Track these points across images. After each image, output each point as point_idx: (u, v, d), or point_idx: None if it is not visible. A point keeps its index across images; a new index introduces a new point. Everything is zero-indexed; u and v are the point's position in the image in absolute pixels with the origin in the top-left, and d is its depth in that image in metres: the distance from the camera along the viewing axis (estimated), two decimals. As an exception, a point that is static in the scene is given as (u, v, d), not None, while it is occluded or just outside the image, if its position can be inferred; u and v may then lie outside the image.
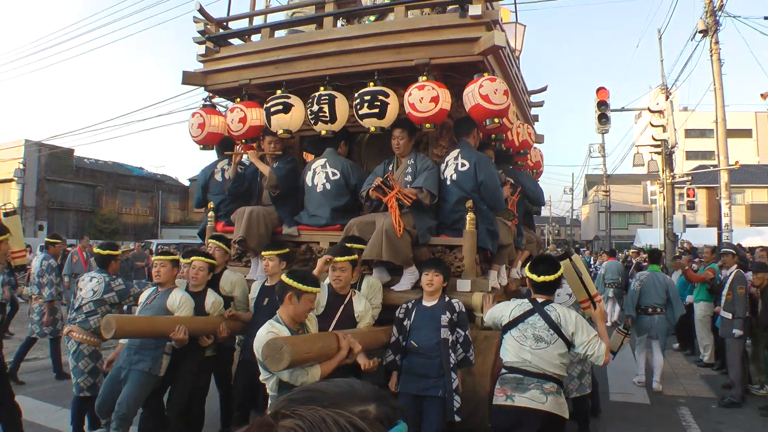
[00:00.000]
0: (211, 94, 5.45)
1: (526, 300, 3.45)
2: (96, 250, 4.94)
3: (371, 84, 4.42)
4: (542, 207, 8.60)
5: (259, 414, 3.88)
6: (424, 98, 4.17)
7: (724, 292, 6.70)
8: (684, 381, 7.52)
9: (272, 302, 4.11)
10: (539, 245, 7.35)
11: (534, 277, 3.40)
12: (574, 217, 56.39)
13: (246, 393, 4.18)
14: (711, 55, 14.87)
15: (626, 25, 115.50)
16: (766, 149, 36.98)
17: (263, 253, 4.38)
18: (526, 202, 6.22)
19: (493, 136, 4.99)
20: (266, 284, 4.37)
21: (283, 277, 3.20)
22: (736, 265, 6.97)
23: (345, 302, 3.81)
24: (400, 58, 4.40)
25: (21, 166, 26.28)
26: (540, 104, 7.53)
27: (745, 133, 40.29)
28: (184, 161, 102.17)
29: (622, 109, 21.13)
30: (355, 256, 3.89)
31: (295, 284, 3.11)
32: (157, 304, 4.15)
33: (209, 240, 4.75)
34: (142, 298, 4.36)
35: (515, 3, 7.39)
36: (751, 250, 15.73)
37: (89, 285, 4.63)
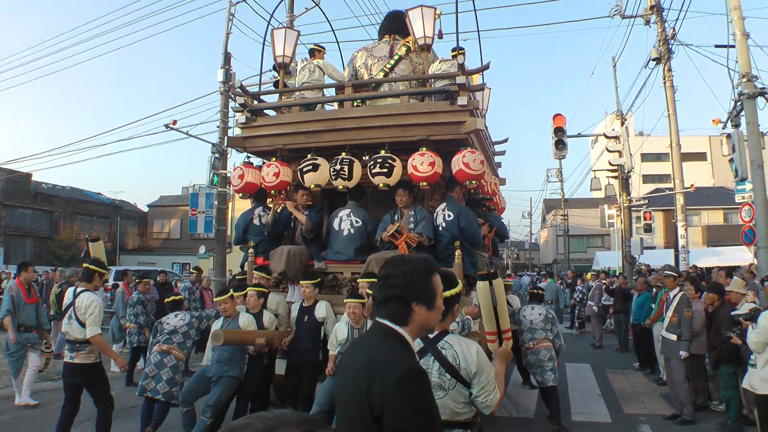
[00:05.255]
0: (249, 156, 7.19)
1: None
2: (167, 300, 6.44)
3: (383, 151, 6.20)
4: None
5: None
6: (424, 162, 5.98)
7: (669, 313, 7.25)
8: (644, 399, 8.17)
9: (311, 319, 5.93)
10: (503, 269, 9.29)
11: None
12: (533, 241, 59.09)
13: (292, 387, 5.97)
14: (664, 82, 16.07)
15: (582, 54, 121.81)
16: (721, 172, 38.69)
17: (302, 282, 6.09)
18: (494, 237, 8.15)
19: (473, 190, 6.88)
20: (303, 305, 6.12)
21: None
22: (678, 287, 7.52)
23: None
24: (405, 134, 6.23)
25: (-24, 192, 27.08)
26: (502, 153, 9.53)
27: (700, 156, 43.21)
28: (143, 187, 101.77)
29: (579, 135, 22.64)
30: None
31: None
32: (233, 327, 5.72)
33: (255, 272, 6.44)
34: (215, 327, 5.78)
35: (482, 70, 9.32)
36: (708, 270, 17.50)
37: (176, 318, 6.05)
